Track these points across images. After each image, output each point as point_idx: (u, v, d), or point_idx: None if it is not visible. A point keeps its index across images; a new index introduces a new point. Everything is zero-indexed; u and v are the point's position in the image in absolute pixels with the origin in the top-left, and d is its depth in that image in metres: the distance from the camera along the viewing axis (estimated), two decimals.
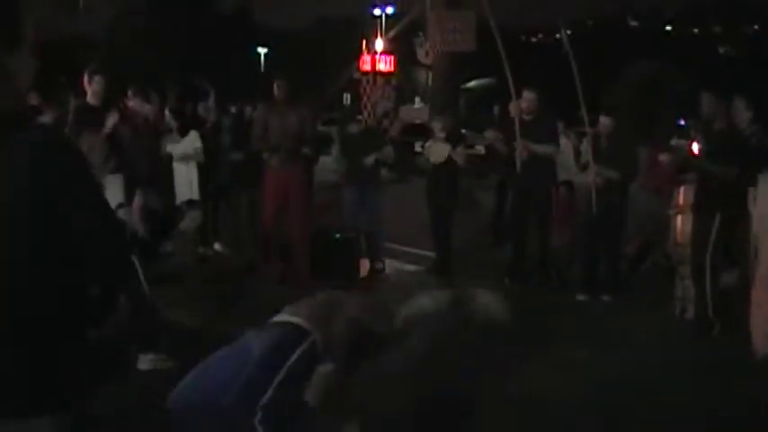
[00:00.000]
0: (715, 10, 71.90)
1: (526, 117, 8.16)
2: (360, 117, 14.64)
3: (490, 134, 9.45)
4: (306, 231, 8.10)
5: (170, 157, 8.94)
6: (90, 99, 7.39)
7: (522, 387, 5.12)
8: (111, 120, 7.23)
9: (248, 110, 10.29)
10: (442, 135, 8.55)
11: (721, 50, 68.49)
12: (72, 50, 33.21)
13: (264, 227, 8.19)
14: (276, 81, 8.07)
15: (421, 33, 17.54)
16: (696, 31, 75.35)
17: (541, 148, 8.06)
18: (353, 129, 9.04)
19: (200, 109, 9.59)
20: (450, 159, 8.39)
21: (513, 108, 8.49)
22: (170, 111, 9.43)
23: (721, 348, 5.98)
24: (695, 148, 7.57)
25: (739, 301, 5.86)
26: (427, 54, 15.92)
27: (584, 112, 8.11)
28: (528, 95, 8.18)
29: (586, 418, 4.71)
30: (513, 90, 8.14)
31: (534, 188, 8.14)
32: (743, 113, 6.93)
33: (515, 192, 8.60)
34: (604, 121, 7.70)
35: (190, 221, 6.78)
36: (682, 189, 7.28)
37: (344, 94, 33.34)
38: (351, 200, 8.68)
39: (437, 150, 8.50)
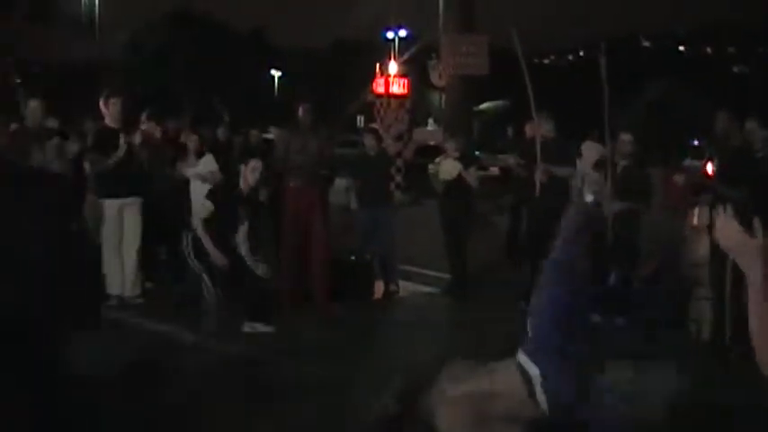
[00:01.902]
0: (728, 29, 71.84)
1: (542, 139, 8.17)
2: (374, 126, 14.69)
3: (510, 160, 9.43)
4: (326, 253, 8.04)
5: (186, 180, 8.99)
6: (108, 122, 7.55)
7: None
8: (137, 140, 7.54)
9: (253, 133, 10.41)
10: (456, 155, 8.58)
11: (735, 70, 68.32)
12: (90, 73, 33.63)
13: (284, 246, 8.16)
14: (302, 105, 8.08)
15: (434, 56, 17.61)
16: (709, 50, 75.30)
17: (561, 171, 8.05)
18: (372, 144, 8.86)
19: (219, 132, 9.69)
20: (461, 179, 8.41)
21: (529, 129, 8.49)
22: (188, 133, 9.52)
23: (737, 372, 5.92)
24: (709, 168, 7.54)
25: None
26: (440, 77, 15.96)
27: (606, 132, 8.11)
28: (546, 125, 8.20)
29: None
30: (534, 111, 8.14)
31: (551, 210, 8.09)
32: (757, 133, 6.89)
33: (532, 214, 8.59)
34: (624, 137, 7.67)
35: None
36: (697, 209, 7.25)
37: (358, 117, 33.48)
38: (364, 222, 8.70)
39: (446, 168, 8.51)
